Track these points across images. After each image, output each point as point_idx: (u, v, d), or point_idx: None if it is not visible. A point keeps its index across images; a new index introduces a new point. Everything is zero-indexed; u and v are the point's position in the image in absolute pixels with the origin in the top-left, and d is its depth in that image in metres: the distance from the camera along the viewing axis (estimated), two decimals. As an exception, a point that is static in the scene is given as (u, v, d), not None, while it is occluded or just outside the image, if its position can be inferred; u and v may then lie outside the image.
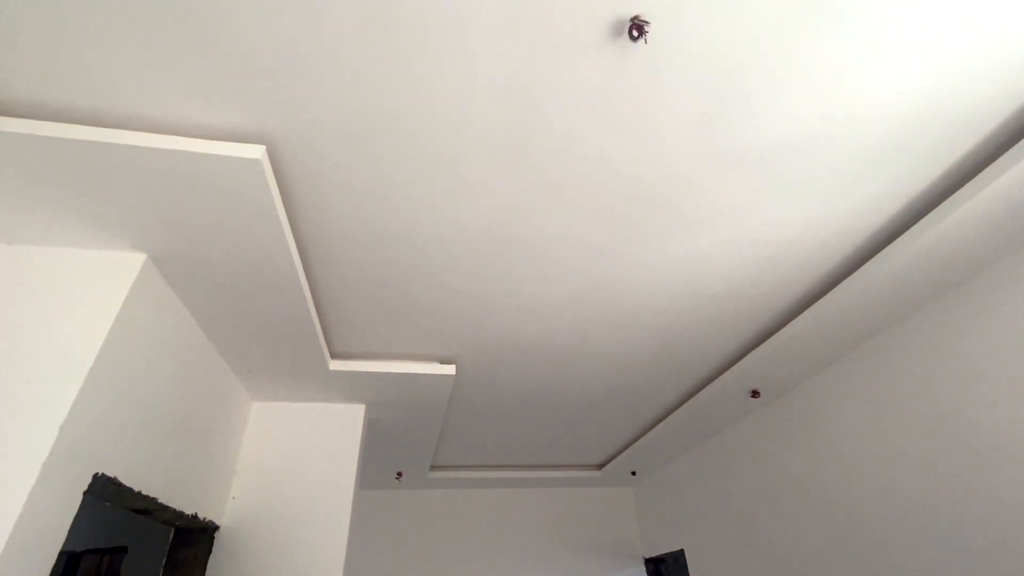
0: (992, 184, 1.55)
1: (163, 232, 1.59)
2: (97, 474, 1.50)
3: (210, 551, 2.39)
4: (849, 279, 2.05)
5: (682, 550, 4.25)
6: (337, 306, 2.19)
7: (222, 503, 2.48)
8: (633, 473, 4.84)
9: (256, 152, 1.37)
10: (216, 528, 2.42)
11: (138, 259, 1.66)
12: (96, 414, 1.48)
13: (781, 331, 2.43)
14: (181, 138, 1.34)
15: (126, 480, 1.65)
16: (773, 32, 1.21)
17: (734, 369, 2.78)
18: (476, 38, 1.18)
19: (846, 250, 1.97)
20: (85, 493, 1.46)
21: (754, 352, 2.61)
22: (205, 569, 2.34)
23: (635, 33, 1.16)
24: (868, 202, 1.74)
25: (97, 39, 1.14)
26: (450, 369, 2.66)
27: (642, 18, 1.16)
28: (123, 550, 2.97)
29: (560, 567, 4.89)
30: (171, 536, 2.37)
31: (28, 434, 1.30)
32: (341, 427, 2.86)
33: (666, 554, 4.66)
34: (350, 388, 2.75)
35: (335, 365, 2.54)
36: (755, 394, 3.00)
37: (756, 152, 1.53)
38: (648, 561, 4.98)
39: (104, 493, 1.60)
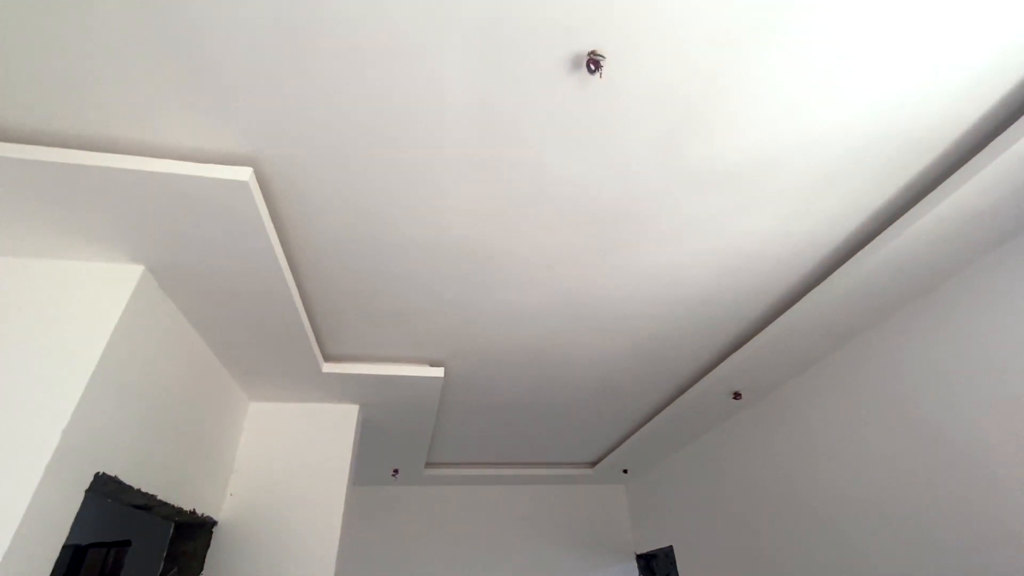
0: (944, 201, 1.63)
1: (159, 245, 1.69)
2: (98, 473, 1.60)
3: (208, 545, 2.50)
4: (816, 289, 2.13)
5: (671, 546, 4.35)
6: (329, 311, 2.29)
7: (220, 499, 2.59)
8: (625, 471, 4.94)
9: (244, 174, 1.46)
10: (214, 523, 2.54)
11: (136, 270, 1.76)
12: (97, 417, 1.58)
13: (755, 337, 2.52)
14: (175, 161, 1.44)
15: (126, 478, 1.76)
16: (726, 65, 1.29)
17: (715, 372, 2.86)
18: (446, 65, 1.27)
19: (811, 262, 2.05)
20: (87, 491, 1.57)
21: (732, 356, 2.70)
22: (204, 562, 2.45)
23: (592, 67, 1.25)
24: (828, 217, 1.82)
25: (99, 73, 1.24)
26: (439, 371, 2.76)
27: (598, 53, 1.25)
28: (127, 544, 3.09)
29: (553, 563, 4.99)
30: (171, 531, 2.49)
31: (32, 437, 1.40)
32: (335, 426, 2.97)
33: (657, 550, 4.76)
34: (343, 389, 2.85)
35: (328, 367, 2.64)
36: (737, 396, 3.09)
37: (717, 172, 1.61)
38: (639, 557, 5.08)
39: (105, 491, 1.70)
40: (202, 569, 2.44)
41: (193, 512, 2.30)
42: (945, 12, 1.20)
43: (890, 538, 2.25)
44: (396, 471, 4.53)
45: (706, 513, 3.82)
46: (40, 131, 1.38)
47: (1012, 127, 1.47)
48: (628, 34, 1.21)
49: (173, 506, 2.13)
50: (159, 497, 1.99)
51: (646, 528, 4.95)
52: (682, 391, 3.27)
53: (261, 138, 1.44)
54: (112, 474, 1.68)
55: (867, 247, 1.91)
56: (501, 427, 3.86)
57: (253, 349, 2.37)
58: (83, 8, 1.11)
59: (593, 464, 5.00)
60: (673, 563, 4.40)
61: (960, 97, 1.43)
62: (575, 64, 1.28)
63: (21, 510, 1.31)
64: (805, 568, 2.75)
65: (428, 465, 4.68)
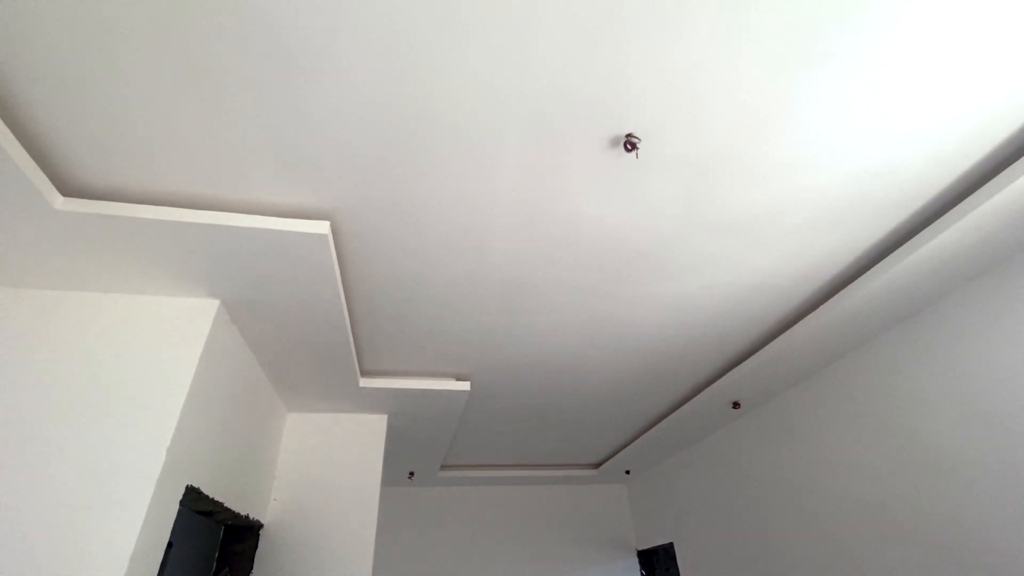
0: (924, 246, 1.89)
1: (235, 283, 1.91)
2: (189, 486, 1.83)
3: (256, 546, 2.73)
4: (811, 315, 2.40)
5: (671, 543, 4.63)
6: (370, 333, 2.52)
7: (265, 504, 2.81)
8: (627, 472, 5.21)
9: (323, 228, 1.69)
10: (261, 526, 2.76)
11: (213, 304, 1.98)
12: (188, 436, 1.81)
13: (755, 355, 2.78)
14: (264, 217, 1.66)
15: (205, 489, 1.98)
16: (739, 139, 1.53)
17: (717, 384, 3.13)
18: (505, 141, 1.50)
19: (807, 292, 2.31)
20: (180, 503, 1.79)
21: (733, 371, 2.97)
22: (253, 562, 2.68)
23: (628, 147, 1.49)
24: (822, 256, 2.08)
25: (216, 147, 1.47)
26: (465, 385, 2.99)
27: (634, 135, 1.49)
28: (170, 545, 3.29)
29: (559, 558, 5.26)
30: (221, 533, 2.71)
31: (145, 456, 1.63)
32: (366, 435, 3.20)
33: (657, 547, 5.05)
34: (375, 401, 3.08)
35: (364, 382, 2.87)
36: (736, 405, 3.36)
37: (729, 220, 1.87)
38: (640, 553, 5.36)
39: (190, 501, 1.93)
40: (252, 568, 2.67)
41: (247, 516, 2.52)
42: (917, 102, 1.46)
43: (873, 538, 2.52)
44: (412, 473, 4.76)
45: (705, 512, 4.10)
46: (154, 191, 1.59)
47: (983, 188, 1.73)
48: (658, 119, 1.45)
49: (232, 511, 2.35)
50: (225, 504, 2.22)
51: (646, 526, 5.23)
52: (685, 400, 3.54)
53: (338, 198, 1.67)
54: (196, 486, 1.90)
55: (855, 281, 2.18)
56: (513, 432, 4.11)
57: (300, 366, 2.60)
58: (210, 100, 1.33)
59: (597, 466, 5.27)
60: (673, 558, 4.68)
61: (931, 166, 1.69)
62: (614, 143, 1.52)
63: (140, 519, 1.54)
64: (795, 563, 3.02)
65: (443, 467, 4.92)
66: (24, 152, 1.41)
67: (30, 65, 1.22)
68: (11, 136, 1.36)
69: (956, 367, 2.18)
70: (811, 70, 1.34)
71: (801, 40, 1.26)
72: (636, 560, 5.36)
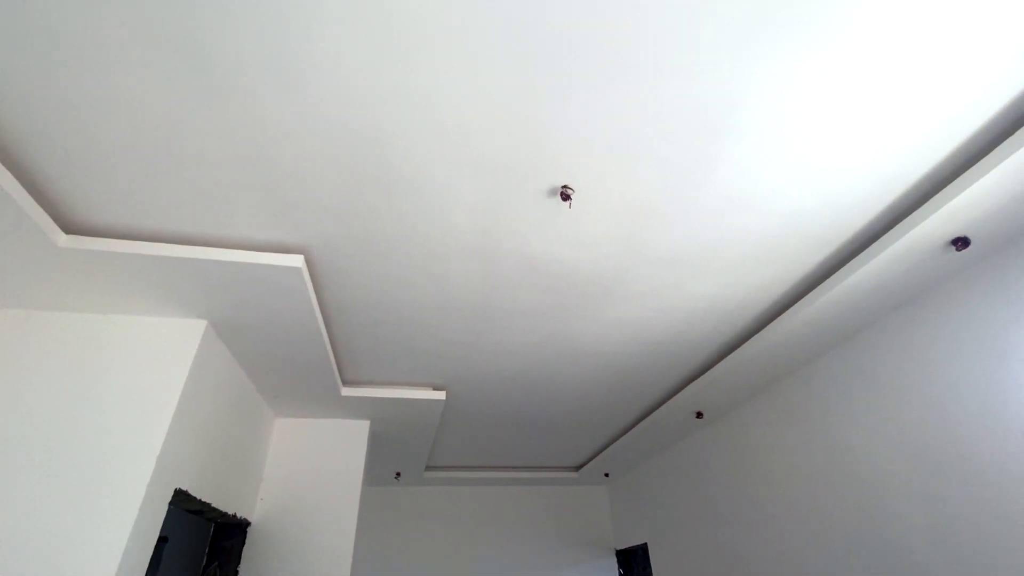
0: (849, 278, 2.07)
1: (222, 307, 2.12)
2: (177, 489, 2.04)
3: (244, 542, 2.94)
4: (754, 337, 2.60)
5: (645, 543, 4.84)
6: (350, 348, 2.72)
7: (253, 503, 3.03)
8: (606, 475, 5.41)
9: (297, 261, 1.89)
10: (248, 524, 2.98)
11: (201, 324, 2.19)
12: (177, 444, 2.01)
13: (709, 371, 2.98)
14: (243, 251, 1.86)
15: (193, 491, 2.19)
16: (666, 188, 1.72)
17: (679, 396, 3.33)
18: (457, 190, 1.70)
19: (749, 317, 2.51)
20: (169, 504, 2.00)
21: (691, 384, 3.17)
22: (240, 557, 2.89)
23: (564, 197, 1.69)
24: (757, 287, 2.28)
25: (203, 194, 1.67)
26: (440, 395, 3.20)
27: (569, 187, 1.68)
28: (164, 540, 3.51)
29: (541, 557, 5.47)
30: (211, 530, 2.92)
31: (136, 463, 1.83)
32: (349, 439, 3.41)
33: (635, 546, 5.25)
34: (357, 408, 3.29)
35: (346, 391, 3.08)
36: (699, 415, 3.55)
37: (666, 256, 2.06)
38: (619, 552, 5.57)
39: (178, 502, 2.14)
40: (239, 563, 2.89)
41: (234, 515, 2.73)
42: (835, 153, 1.65)
43: (813, 538, 2.72)
44: (398, 474, 4.98)
45: (676, 514, 4.30)
46: (148, 228, 1.80)
47: (895, 228, 1.91)
48: (591, 173, 1.65)
49: (220, 510, 2.56)
50: (212, 504, 2.43)
51: (625, 526, 5.44)
52: (653, 410, 3.73)
53: (312, 235, 1.87)
54: (184, 488, 2.11)
55: (791, 308, 2.37)
56: (494, 436, 4.32)
57: (284, 378, 2.80)
58: (195, 160, 1.54)
59: (577, 468, 5.47)
60: (648, 558, 4.88)
61: (850, 209, 1.87)
62: (551, 193, 1.71)
63: (132, 520, 1.74)
64: (753, 560, 3.22)
65: (428, 468, 5.13)
66: (28, 196, 1.61)
67: (33, 118, 1.43)
68: (15, 182, 1.55)
69: (881, 389, 2.37)
70: (723, 137, 1.53)
71: (711, 115, 1.45)
72: (615, 559, 5.57)
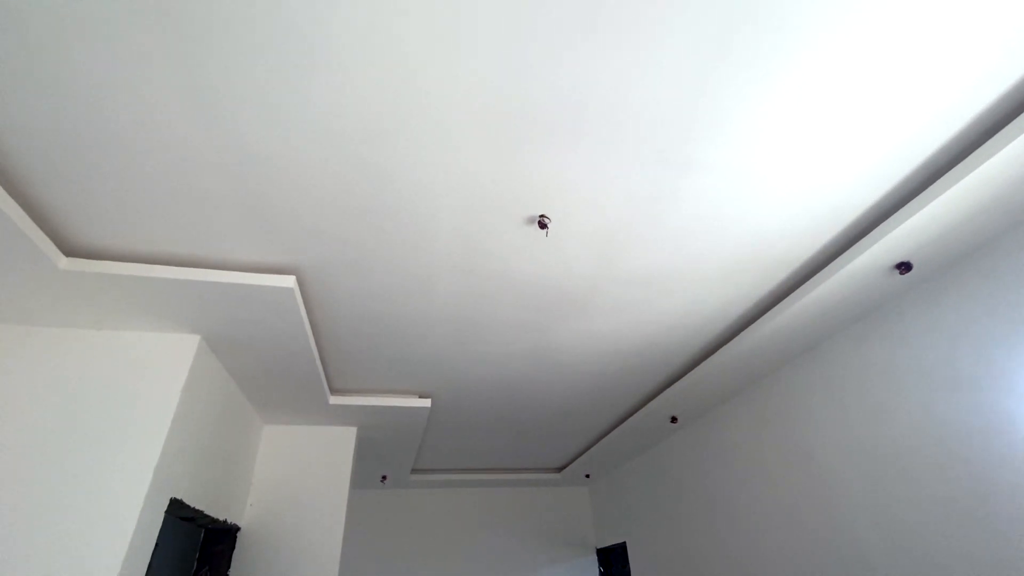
0: (807, 296, 2.24)
1: (215, 323, 2.21)
2: (173, 498, 2.13)
3: (233, 547, 3.03)
4: (721, 349, 2.76)
5: (624, 542, 5.01)
6: (338, 358, 2.83)
7: (242, 509, 3.11)
8: (587, 476, 5.57)
9: (289, 282, 1.99)
10: (238, 529, 3.06)
11: (195, 339, 2.28)
12: (172, 455, 2.10)
13: (681, 379, 3.14)
14: (237, 272, 1.96)
15: (187, 499, 2.28)
16: (635, 215, 1.86)
17: (653, 402, 3.49)
18: (442, 217, 1.82)
19: (717, 331, 2.67)
20: (165, 512, 2.09)
21: (665, 392, 3.33)
22: (231, 562, 2.98)
23: (541, 226, 1.82)
24: (723, 303, 2.44)
25: (198, 222, 1.76)
26: (426, 402, 3.31)
27: (546, 217, 1.81)
28: (155, 545, 3.57)
29: (524, 556, 5.62)
30: (202, 535, 3.00)
31: (134, 475, 1.92)
32: (336, 445, 3.50)
33: (615, 545, 5.42)
34: (344, 415, 3.39)
35: (334, 400, 3.18)
36: (674, 420, 3.72)
37: (635, 276, 2.21)
38: (600, 551, 5.74)
39: (173, 510, 2.23)
40: (229, 567, 2.97)
41: (224, 521, 2.82)
42: (790, 181, 1.80)
43: (777, 536, 2.90)
44: (385, 477, 5.08)
45: (651, 513, 4.48)
46: (143, 250, 1.89)
47: (846, 252, 2.07)
48: (565, 204, 1.78)
49: (211, 517, 2.64)
50: (204, 512, 2.51)
51: (605, 526, 5.61)
52: (630, 414, 3.89)
53: (304, 258, 1.97)
54: (179, 497, 2.20)
55: (754, 324, 2.54)
56: (479, 439, 4.45)
57: (274, 387, 2.90)
58: (192, 188, 1.64)
59: (559, 470, 5.62)
60: (627, 556, 5.05)
61: (805, 234, 2.03)
62: (529, 222, 1.84)
63: (131, 528, 1.84)
64: (722, 557, 3.40)
65: (414, 471, 5.24)
66: (30, 220, 1.69)
67: (36, 147, 1.52)
68: (19, 208, 1.64)
69: (837, 398, 2.55)
70: (685, 175, 1.68)
71: (672, 155, 1.60)
72: (595, 557, 5.73)
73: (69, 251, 1.87)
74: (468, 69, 1.31)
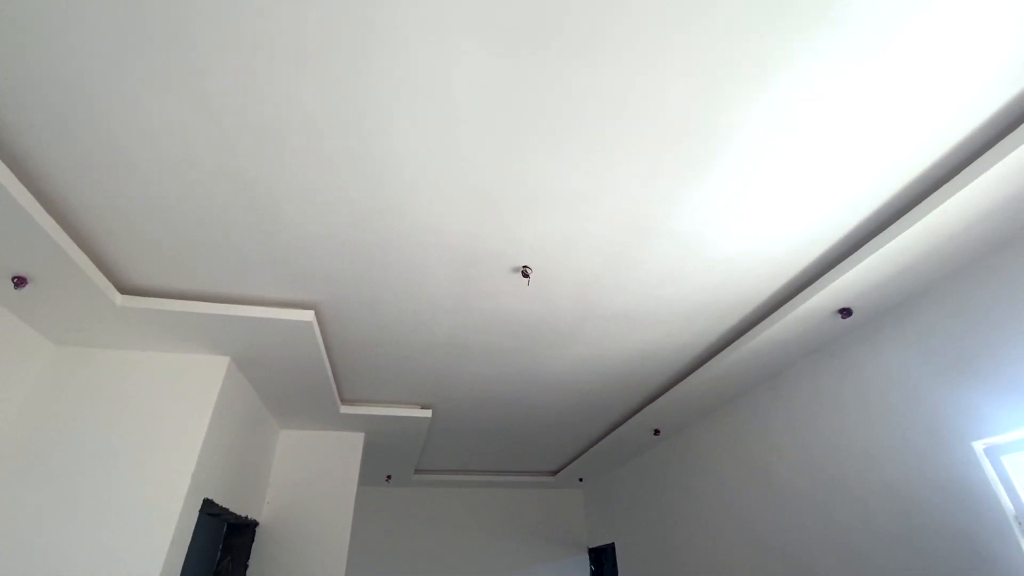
0: (764, 333, 2.52)
1: (243, 347, 2.54)
2: (205, 499, 2.47)
3: (252, 540, 3.38)
4: (694, 374, 3.05)
5: (613, 543, 5.31)
6: (349, 375, 3.15)
7: (260, 506, 3.46)
8: (580, 479, 5.88)
9: (308, 316, 2.32)
10: (256, 524, 3.41)
11: (225, 360, 2.61)
12: (206, 462, 2.44)
13: (659, 398, 3.44)
14: (263, 307, 2.29)
15: (216, 499, 2.62)
16: (609, 265, 2.16)
17: (637, 416, 3.79)
18: (439, 268, 2.13)
19: (687, 359, 2.96)
20: (200, 511, 2.43)
21: (646, 408, 3.63)
22: (250, 553, 3.33)
23: (524, 275, 2.12)
24: (693, 336, 2.73)
25: (230, 265, 2.09)
26: (427, 413, 3.64)
27: (528, 267, 2.12)
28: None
29: (520, 553, 5.94)
30: (224, 529, 3.35)
31: (175, 479, 2.26)
32: (345, 449, 3.84)
33: (606, 545, 5.72)
34: (353, 422, 3.72)
35: (344, 409, 3.51)
36: (657, 432, 4.02)
37: (613, 313, 2.50)
38: (591, 551, 6.05)
39: (205, 509, 2.57)
40: (249, 557, 3.32)
41: (245, 516, 3.16)
42: (746, 243, 2.09)
43: (744, 540, 3.19)
44: (389, 476, 5.42)
45: (637, 516, 4.78)
46: (185, 288, 2.22)
47: (794, 298, 2.35)
48: (547, 257, 2.08)
49: (235, 513, 2.99)
50: (230, 509, 2.86)
51: (597, 527, 5.92)
52: (617, 426, 4.19)
53: (322, 296, 2.29)
54: (210, 498, 2.54)
55: (718, 355, 2.83)
56: (478, 445, 4.77)
57: (291, 398, 3.23)
58: (232, 251, 1.96)
59: (554, 473, 5.94)
60: (616, 555, 5.36)
61: (758, 282, 2.31)
62: (515, 271, 2.15)
63: (172, 528, 2.17)
64: (698, 558, 3.70)
65: (416, 472, 5.57)
66: (94, 266, 2.02)
67: (102, 209, 1.85)
68: (85, 257, 1.96)
69: (792, 421, 2.84)
70: (652, 238, 1.97)
71: (640, 219, 1.89)
72: (587, 556, 6.05)
73: (124, 289, 2.20)
74: (459, 155, 1.61)
